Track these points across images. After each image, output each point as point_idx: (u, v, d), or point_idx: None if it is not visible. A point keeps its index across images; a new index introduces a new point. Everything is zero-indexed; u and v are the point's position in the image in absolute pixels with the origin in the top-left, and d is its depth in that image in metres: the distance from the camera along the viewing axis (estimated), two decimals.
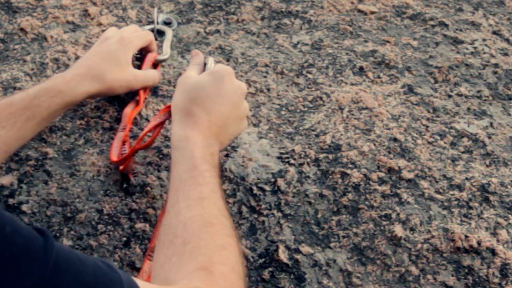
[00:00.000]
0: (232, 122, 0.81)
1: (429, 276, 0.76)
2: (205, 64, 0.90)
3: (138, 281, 0.54)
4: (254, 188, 0.85)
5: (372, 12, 1.19)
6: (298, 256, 0.78)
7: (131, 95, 0.96)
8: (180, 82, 0.82)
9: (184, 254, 0.63)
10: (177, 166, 0.74)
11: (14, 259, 0.46)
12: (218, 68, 0.82)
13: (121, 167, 0.86)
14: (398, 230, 0.80)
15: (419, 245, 0.79)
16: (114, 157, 0.86)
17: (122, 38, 0.91)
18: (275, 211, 0.82)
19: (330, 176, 0.87)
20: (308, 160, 0.89)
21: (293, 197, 0.84)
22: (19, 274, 0.46)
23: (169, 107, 0.82)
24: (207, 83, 0.80)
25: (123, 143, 0.88)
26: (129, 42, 0.92)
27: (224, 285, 0.61)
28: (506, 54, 1.11)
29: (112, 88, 0.89)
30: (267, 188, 0.85)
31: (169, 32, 1.08)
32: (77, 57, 1.04)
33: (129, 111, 0.93)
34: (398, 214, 0.82)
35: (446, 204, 0.84)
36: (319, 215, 0.82)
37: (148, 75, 0.95)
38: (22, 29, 1.11)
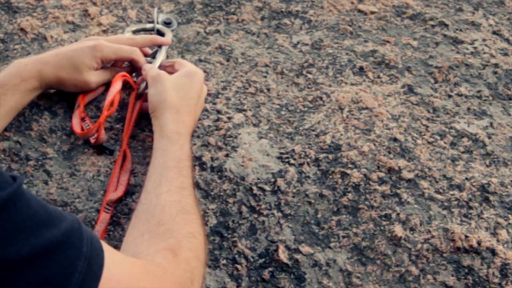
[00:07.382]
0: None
1: (429, 276, 0.76)
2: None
3: (104, 244, 0.58)
4: (254, 188, 0.85)
5: (372, 12, 1.19)
6: (298, 256, 0.78)
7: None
8: (156, 79, 0.90)
9: (157, 234, 0.69)
10: (165, 153, 0.80)
11: None
12: (195, 70, 0.93)
13: (94, 140, 0.90)
14: (398, 230, 0.80)
15: (419, 245, 0.79)
16: (80, 131, 0.90)
17: (95, 45, 0.92)
18: (275, 211, 0.82)
19: (330, 176, 0.87)
20: (308, 160, 0.89)
21: (293, 197, 0.84)
22: None
23: (123, 75, 0.91)
24: (190, 86, 0.91)
25: (82, 119, 0.92)
26: (99, 50, 0.91)
27: (185, 268, 0.66)
28: (506, 54, 1.11)
29: (64, 85, 0.93)
30: (267, 188, 0.85)
31: (162, 52, 1.01)
32: None
33: (81, 94, 0.96)
34: (398, 214, 0.82)
35: (446, 204, 0.84)
36: (319, 215, 0.82)
37: (100, 84, 0.96)
38: (22, 29, 1.11)
